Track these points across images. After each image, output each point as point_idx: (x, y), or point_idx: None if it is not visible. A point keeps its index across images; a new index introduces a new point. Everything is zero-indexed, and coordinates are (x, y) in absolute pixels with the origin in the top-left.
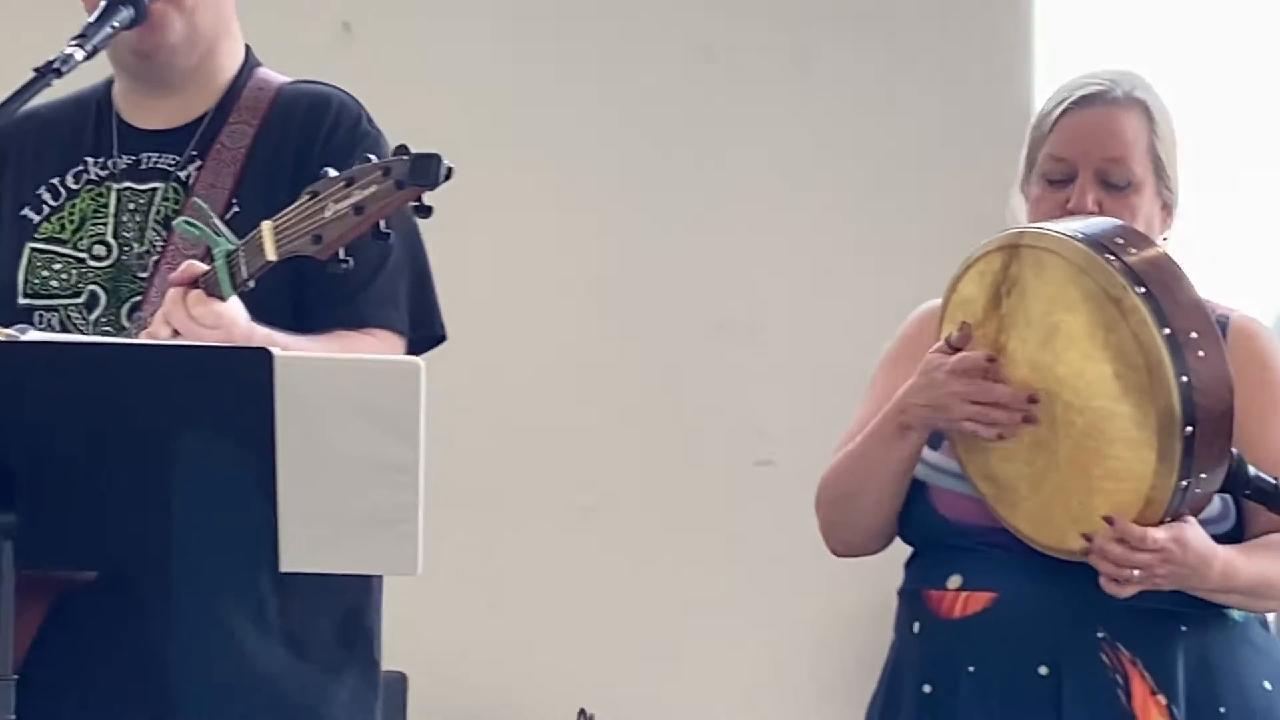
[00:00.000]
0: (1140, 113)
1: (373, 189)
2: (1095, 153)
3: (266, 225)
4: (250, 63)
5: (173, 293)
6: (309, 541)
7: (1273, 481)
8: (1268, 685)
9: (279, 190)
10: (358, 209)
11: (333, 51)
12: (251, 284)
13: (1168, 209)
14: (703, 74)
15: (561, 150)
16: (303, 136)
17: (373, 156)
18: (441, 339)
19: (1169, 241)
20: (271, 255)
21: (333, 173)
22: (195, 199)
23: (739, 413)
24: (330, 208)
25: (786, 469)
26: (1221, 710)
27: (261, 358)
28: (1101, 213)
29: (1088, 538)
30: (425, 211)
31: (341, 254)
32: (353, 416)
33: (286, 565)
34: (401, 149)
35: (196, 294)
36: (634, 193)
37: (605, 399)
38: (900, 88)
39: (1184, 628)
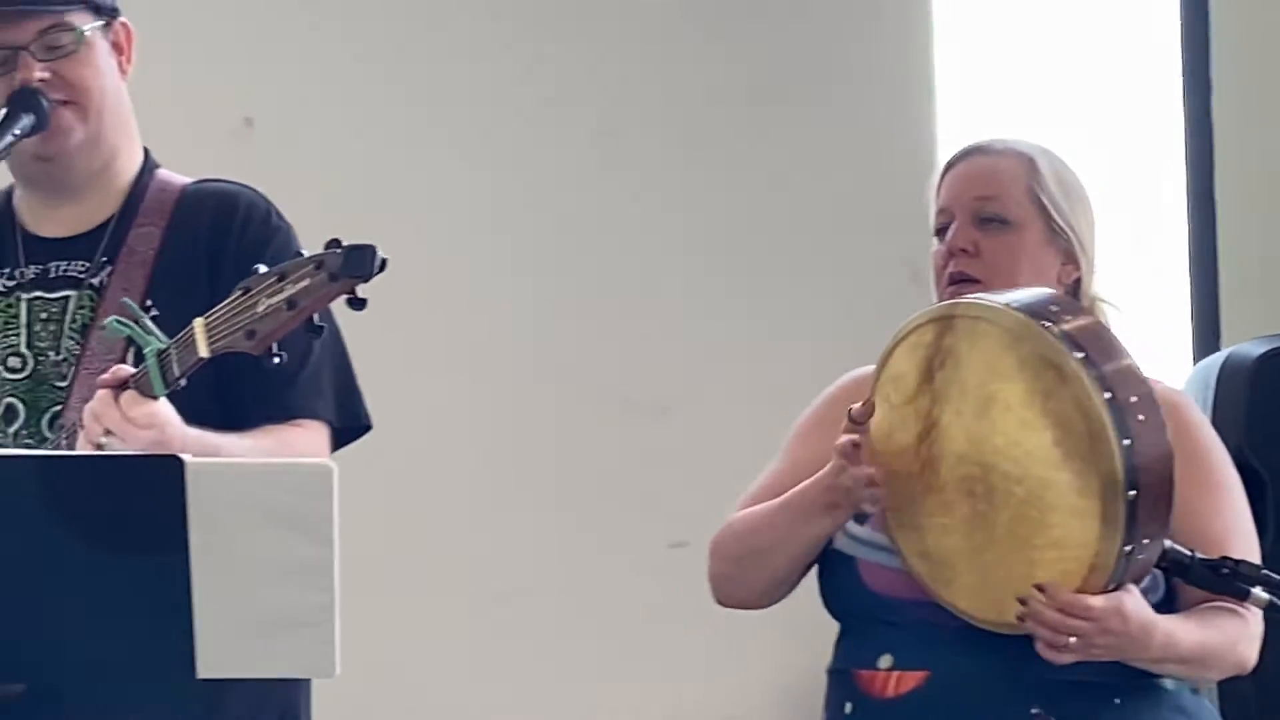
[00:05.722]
0: (1017, 159)
1: (306, 283)
2: (967, 194)
3: (199, 323)
4: (149, 164)
5: (103, 394)
6: (226, 647)
7: (1188, 554)
8: None
9: (194, 289)
10: (290, 303)
11: (234, 145)
12: (183, 382)
13: (1070, 258)
14: (608, 150)
15: (464, 234)
16: (214, 235)
17: (304, 251)
18: (368, 428)
19: (1087, 293)
20: (204, 352)
21: (263, 268)
22: (124, 300)
23: (652, 494)
24: (263, 303)
25: (702, 549)
26: None
27: (173, 465)
28: (979, 252)
29: (1022, 601)
30: (359, 304)
31: (275, 349)
32: (265, 520)
33: (204, 672)
34: (334, 242)
35: (130, 394)
36: (540, 274)
37: (518, 483)
38: (808, 161)
39: (1117, 700)
